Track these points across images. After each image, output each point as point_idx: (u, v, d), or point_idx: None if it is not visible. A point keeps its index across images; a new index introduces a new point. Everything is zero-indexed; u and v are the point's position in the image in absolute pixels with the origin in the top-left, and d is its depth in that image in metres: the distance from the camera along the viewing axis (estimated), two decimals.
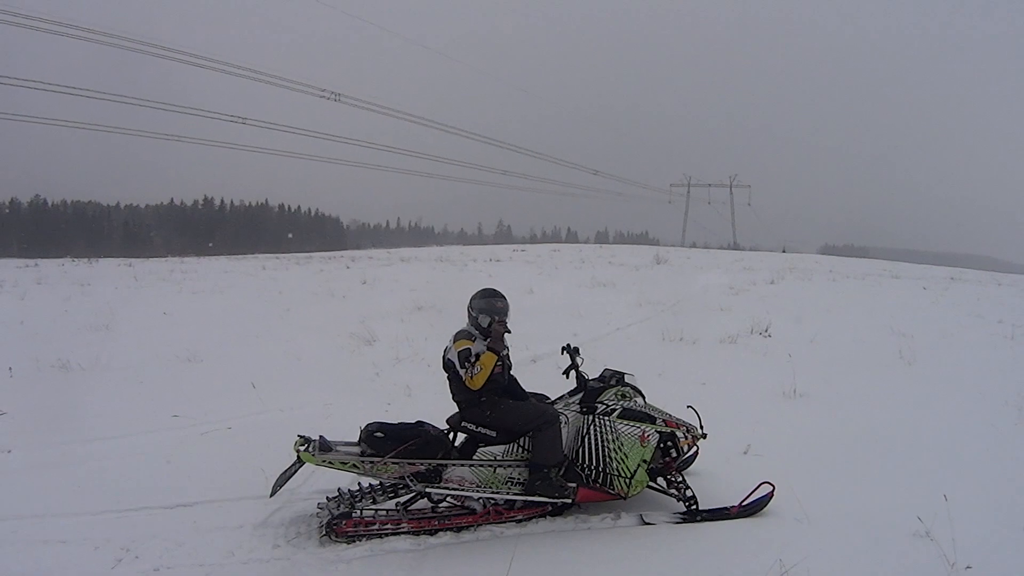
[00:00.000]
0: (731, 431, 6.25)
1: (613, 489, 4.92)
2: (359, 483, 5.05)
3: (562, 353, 5.52)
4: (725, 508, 4.97)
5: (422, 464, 4.76)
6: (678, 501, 5.03)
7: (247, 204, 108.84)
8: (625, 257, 36.87)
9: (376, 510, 4.88)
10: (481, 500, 4.92)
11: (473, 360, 4.78)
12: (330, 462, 4.67)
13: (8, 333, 11.95)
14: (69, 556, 4.37)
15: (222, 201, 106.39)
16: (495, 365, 4.84)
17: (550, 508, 4.98)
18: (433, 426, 5.04)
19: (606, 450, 4.94)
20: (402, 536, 4.73)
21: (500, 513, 4.94)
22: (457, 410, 5.08)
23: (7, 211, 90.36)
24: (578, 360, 5.45)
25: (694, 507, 4.97)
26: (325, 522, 4.66)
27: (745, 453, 6.09)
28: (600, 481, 4.94)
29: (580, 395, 5.23)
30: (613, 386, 5.23)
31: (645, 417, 5.04)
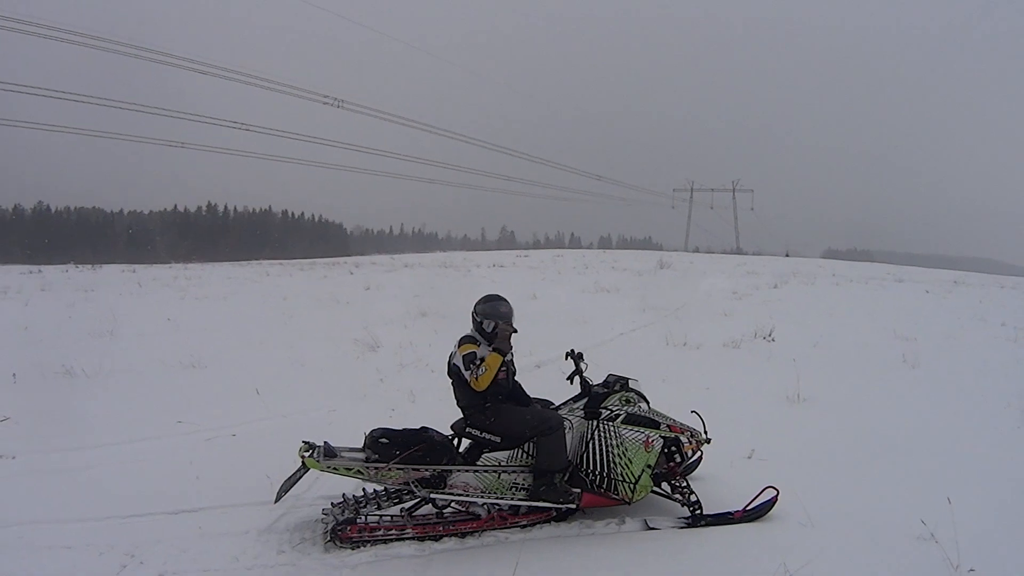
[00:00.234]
0: (735, 435, 6.24)
1: (617, 494, 4.92)
2: (364, 489, 5.06)
3: (566, 359, 5.54)
4: (729, 513, 4.97)
5: (426, 470, 4.77)
6: (682, 506, 5.03)
7: (251, 210, 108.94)
8: (628, 262, 36.87)
9: (381, 516, 4.88)
10: (485, 505, 4.92)
11: (479, 362, 4.79)
12: (335, 468, 4.68)
13: (12, 339, 11.99)
14: (74, 562, 4.38)
15: (225, 207, 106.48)
16: (500, 368, 4.86)
17: (554, 513, 4.99)
18: (437, 432, 5.04)
19: (610, 455, 4.95)
20: (407, 542, 4.73)
21: (504, 518, 4.94)
22: (461, 416, 5.09)
23: (11, 217, 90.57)
24: (582, 366, 5.46)
25: (698, 512, 4.97)
26: (330, 528, 4.66)
27: (749, 457, 6.08)
28: (604, 486, 4.94)
29: (584, 401, 5.23)
30: (617, 391, 5.23)
31: (649, 422, 5.05)
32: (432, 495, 4.80)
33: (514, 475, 4.92)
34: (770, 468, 5.69)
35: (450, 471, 4.83)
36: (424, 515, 4.95)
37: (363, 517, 4.80)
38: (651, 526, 4.89)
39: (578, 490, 4.92)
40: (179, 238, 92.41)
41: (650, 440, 4.96)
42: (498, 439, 4.94)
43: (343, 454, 4.81)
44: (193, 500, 5.28)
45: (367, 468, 4.71)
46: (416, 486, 4.76)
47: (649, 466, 4.93)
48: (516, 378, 5.27)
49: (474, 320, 5.13)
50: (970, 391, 8.51)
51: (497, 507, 4.94)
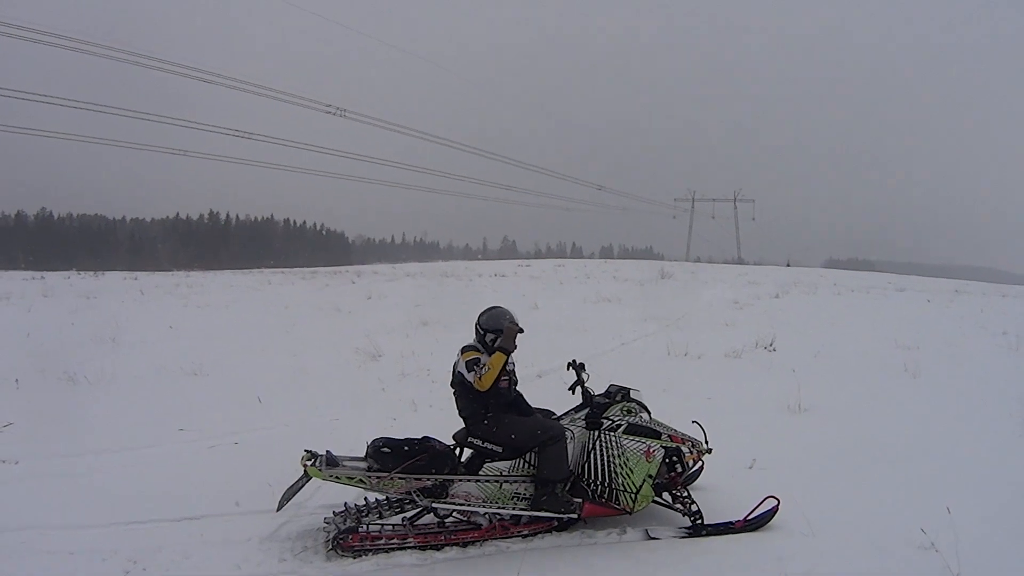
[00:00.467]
0: (736, 445, 6.24)
1: (619, 504, 4.93)
2: (365, 498, 5.07)
3: (568, 369, 5.56)
4: (730, 522, 4.97)
5: (428, 479, 4.78)
6: (683, 516, 5.03)
7: (252, 219, 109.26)
8: (630, 272, 36.94)
9: (382, 525, 4.90)
10: (487, 515, 4.93)
11: (481, 365, 4.80)
12: (337, 477, 4.69)
13: (15, 345, 12.03)
14: (76, 567, 4.39)
15: (227, 215, 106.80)
16: (503, 376, 4.87)
17: (556, 523, 4.99)
18: (439, 441, 5.05)
19: (612, 465, 4.96)
20: (408, 551, 4.74)
21: (506, 528, 4.95)
22: (463, 426, 5.11)
23: (13, 223, 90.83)
24: (584, 376, 5.48)
25: (699, 521, 4.98)
26: (332, 536, 4.67)
27: (750, 467, 6.09)
28: (606, 496, 4.95)
29: (586, 411, 5.24)
30: (619, 402, 5.24)
31: (650, 432, 5.06)
32: (434, 504, 4.81)
33: (516, 485, 4.93)
34: (771, 477, 5.68)
35: (452, 481, 4.84)
36: (426, 524, 4.96)
37: (365, 526, 4.81)
38: (652, 536, 4.90)
39: (579, 500, 4.92)
40: (181, 246, 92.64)
41: (651, 450, 4.98)
42: (500, 449, 4.95)
43: (345, 463, 4.83)
44: (195, 507, 5.29)
45: (369, 477, 4.72)
46: (418, 495, 4.77)
47: (650, 476, 4.94)
48: (518, 388, 5.29)
49: (477, 332, 5.15)
50: (971, 399, 8.51)
51: (499, 517, 4.94)
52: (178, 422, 7.57)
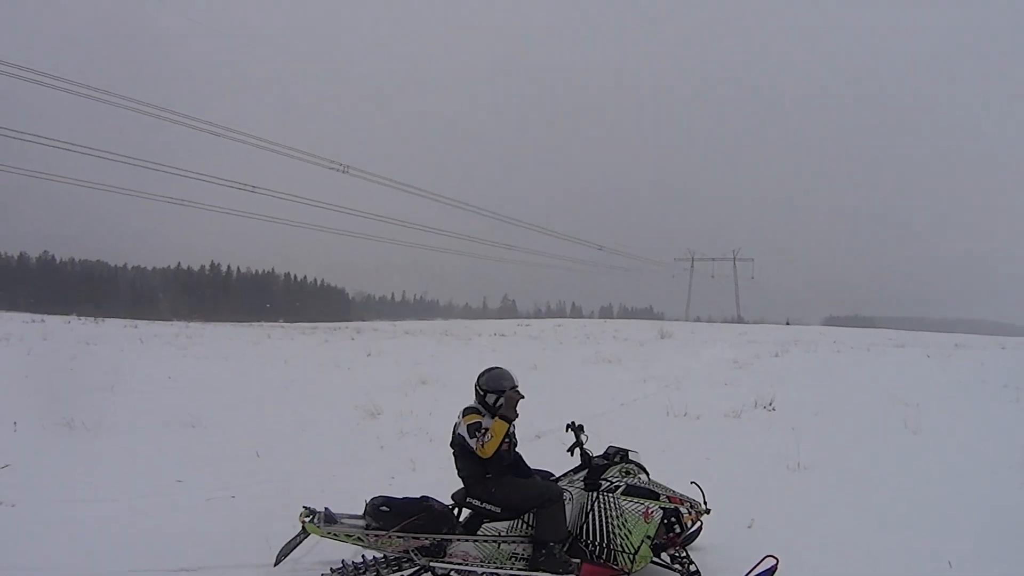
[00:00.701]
0: (735, 505, 6.22)
1: (617, 565, 4.91)
2: (363, 555, 5.04)
3: (567, 430, 5.59)
4: None
5: (426, 538, 4.78)
6: None
7: (253, 271, 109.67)
8: (630, 332, 36.98)
9: None
10: (485, 575, 4.91)
11: (483, 431, 4.83)
12: (335, 534, 4.70)
13: (14, 387, 12.03)
14: None
15: (228, 267, 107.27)
16: (504, 438, 4.90)
17: None
18: (438, 501, 5.07)
19: (610, 526, 4.96)
20: None
21: None
22: (462, 486, 5.12)
23: (15, 265, 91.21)
24: (582, 437, 5.51)
25: None
26: None
27: (749, 527, 6.06)
28: (604, 557, 4.94)
29: (584, 472, 5.27)
30: (617, 463, 5.27)
31: (649, 494, 5.08)
32: (432, 564, 4.80)
33: (514, 545, 4.93)
34: (770, 537, 5.65)
35: (450, 540, 4.84)
36: None
37: None
38: None
39: (577, 560, 4.91)
40: (181, 296, 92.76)
41: (650, 511, 4.98)
42: (498, 509, 4.96)
43: (343, 520, 4.83)
44: (192, 560, 5.26)
45: (367, 535, 4.72)
46: (416, 554, 4.76)
47: (649, 536, 4.94)
48: (517, 449, 5.32)
49: (477, 393, 5.20)
50: (972, 454, 8.48)
51: None
52: (175, 473, 7.55)
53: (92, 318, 38.48)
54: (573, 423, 5.57)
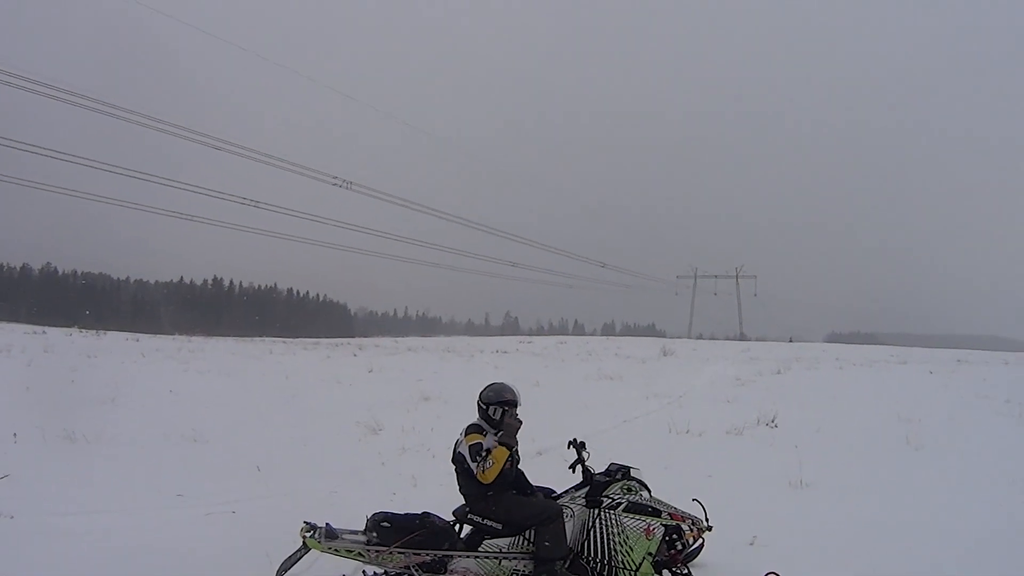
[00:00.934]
0: (737, 522, 6.19)
1: None
2: (364, 571, 5.02)
3: (568, 447, 5.58)
4: None
5: (427, 555, 4.77)
6: None
7: (256, 286, 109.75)
8: (632, 349, 36.93)
9: None
10: None
11: (484, 455, 4.84)
12: (336, 549, 4.69)
13: (14, 398, 12.02)
14: None
15: (231, 282, 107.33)
16: (506, 460, 4.91)
17: None
18: (439, 517, 5.07)
19: (611, 543, 4.95)
20: None
21: None
22: (464, 502, 5.12)
23: (18, 276, 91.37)
24: (584, 454, 5.51)
25: None
26: None
27: (751, 544, 6.02)
28: (606, 574, 4.93)
29: (586, 489, 5.26)
30: (619, 480, 5.27)
31: (650, 511, 5.07)
32: None
33: (515, 562, 4.92)
34: (772, 554, 5.63)
35: (451, 556, 4.83)
36: None
37: None
38: None
39: None
40: (183, 310, 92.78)
41: (651, 528, 4.97)
42: (500, 526, 4.96)
43: (344, 536, 4.83)
44: (192, 574, 5.26)
45: (368, 551, 4.72)
46: (417, 570, 4.75)
47: (650, 554, 4.93)
48: (519, 466, 5.32)
49: (480, 408, 5.21)
50: (975, 470, 8.43)
51: None
52: (176, 487, 7.55)
53: (94, 331, 38.47)
54: (575, 440, 5.57)
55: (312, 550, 4.71)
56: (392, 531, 4.77)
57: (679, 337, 69.95)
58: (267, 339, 46.01)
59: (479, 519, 4.98)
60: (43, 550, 5.57)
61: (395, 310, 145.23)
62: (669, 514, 5.10)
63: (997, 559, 5.60)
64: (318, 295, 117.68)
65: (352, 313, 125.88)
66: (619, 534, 4.96)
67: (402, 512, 5.03)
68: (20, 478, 7.33)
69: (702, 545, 5.69)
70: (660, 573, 5.11)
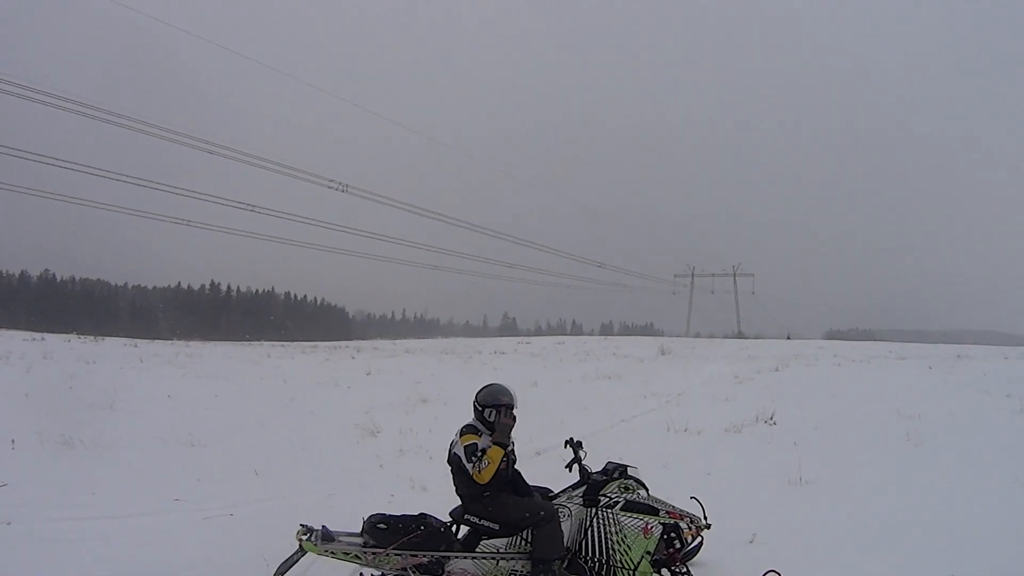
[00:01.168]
0: (736, 520, 6.18)
1: None
2: (361, 573, 5.01)
3: (565, 447, 5.56)
4: None
5: (425, 556, 4.75)
6: None
7: (253, 290, 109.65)
8: (630, 349, 36.91)
9: None
10: None
11: (480, 455, 4.82)
12: (332, 552, 4.68)
13: (13, 405, 11.98)
14: None
15: (228, 287, 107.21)
16: (501, 460, 4.89)
17: None
18: (436, 518, 5.05)
19: (609, 542, 4.94)
20: None
21: None
22: (460, 503, 5.10)
23: (16, 283, 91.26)
24: (581, 453, 5.48)
25: None
26: None
27: (751, 542, 6.01)
28: (604, 573, 4.91)
29: (583, 488, 5.25)
30: (616, 479, 5.26)
31: (648, 509, 5.05)
32: None
33: (512, 562, 4.90)
34: (772, 552, 5.61)
35: (448, 557, 4.82)
36: None
37: None
38: None
39: None
40: (181, 315, 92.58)
41: (649, 527, 4.96)
42: (497, 526, 4.94)
43: (341, 538, 4.81)
44: None
45: (365, 553, 4.71)
46: (414, 572, 4.74)
47: (648, 552, 4.91)
48: (516, 466, 5.31)
49: (476, 409, 5.20)
50: (975, 466, 8.38)
51: None
52: (174, 492, 7.54)
53: (92, 337, 38.33)
54: (572, 439, 5.55)
55: (308, 553, 4.69)
56: (389, 533, 4.76)
57: (677, 336, 69.90)
58: (265, 343, 45.96)
59: (476, 520, 4.97)
60: (41, 556, 5.57)
61: (393, 312, 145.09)
62: (667, 512, 5.08)
63: (998, 555, 5.57)
64: (316, 298, 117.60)
65: (350, 316, 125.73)
66: (617, 533, 4.95)
67: (399, 514, 5.01)
68: (18, 484, 7.31)
69: (701, 543, 5.68)
70: (659, 572, 5.10)
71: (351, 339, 68.94)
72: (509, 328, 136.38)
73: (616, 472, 5.32)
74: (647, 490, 5.28)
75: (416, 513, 5.07)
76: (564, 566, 4.94)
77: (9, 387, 13.79)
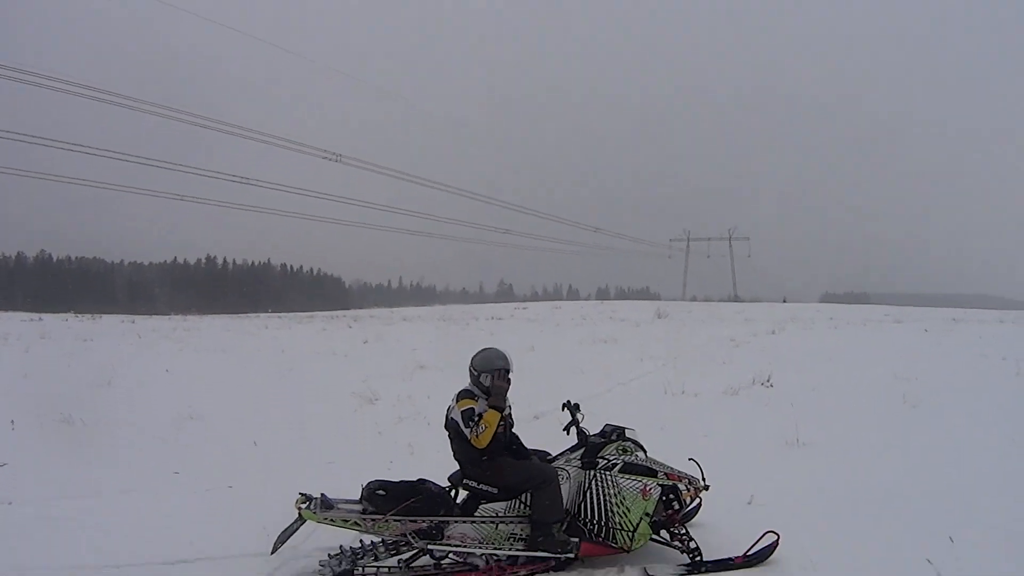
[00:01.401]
0: (734, 482, 6.20)
1: (616, 543, 4.90)
2: (361, 540, 5.02)
3: (563, 410, 5.54)
4: (730, 559, 4.94)
5: (424, 521, 4.77)
6: (682, 553, 5.00)
7: (249, 263, 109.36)
8: (626, 313, 36.97)
9: (378, 567, 4.86)
10: (484, 556, 4.90)
11: (477, 419, 4.82)
12: (331, 520, 4.68)
13: (12, 385, 11.97)
14: None
15: (224, 260, 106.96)
16: (498, 423, 4.88)
17: (553, 563, 4.95)
18: (435, 483, 5.06)
19: (608, 504, 4.95)
20: None
21: (503, 569, 4.92)
22: (459, 468, 5.10)
23: (13, 265, 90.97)
24: (579, 416, 5.46)
25: (698, 559, 4.94)
26: None
27: (749, 503, 6.04)
28: (603, 535, 4.93)
29: (581, 451, 5.24)
30: (614, 441, 5.25)
31: (647, 471, 5.06)
32: (430, 546, 4.80)
33: (512, 525, 4.91)
34: (770, 513, 5.63)
35: (447, 522, 4.83)
36: (422, 566, 4.93)
37: (360, 568, 4.78)
38: (651, 574, 4.86)
39: (576, 539, 4.91)
40: (178, 290, 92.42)
41: (648, 488, 4.97)
42: (495, 490, 4.95)
43: (340, 506, 4.81)
44: (189, 551, 5.25)
45: (364, 520, 4.71)
46: (414, 537, 4.75)
47: (647, 514, 4.92)
48: (514, 430, 5.31)
49: (471, 374, 5.18)
50: (972, 428, 8.41)
51: (495, 558, 4.92)
52: (173, 466, 7.54)
53: (90, 315, 38.32)
54: (569, 402, 5.52)
55: (308, 521, 4.70)
56: (388, 499, 4.76)
57: (673, 300, 70.02)
58: (262, 315, 46.00)
59: (474, 484, 4.98)
60: (42, 535, 5.56)
61: (389, 281, 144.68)
62: (666, 474, 5.09)
63: (997, 517, 5.60)
64: (312, 269, 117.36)
65: (347, 286, 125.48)
66: (616, 495, 4.95)
67: (398, 480, 5.02)
68: (18, 464, 7.29)
69: (699, 505, 5.72)
70: (658, 533, 5.12)
71: (348, 308, 68.84)
72: (505, 294, 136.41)
73: (614, 434, 5.32)
74: (645, 452, 5.28)
75: (415, 479, 5.08)
76: (563, 528, 4.96)
77: (8, 368, 13.79)
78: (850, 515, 5.70)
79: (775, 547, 4.91)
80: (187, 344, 20.42)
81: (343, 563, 4.75)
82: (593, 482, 5.02)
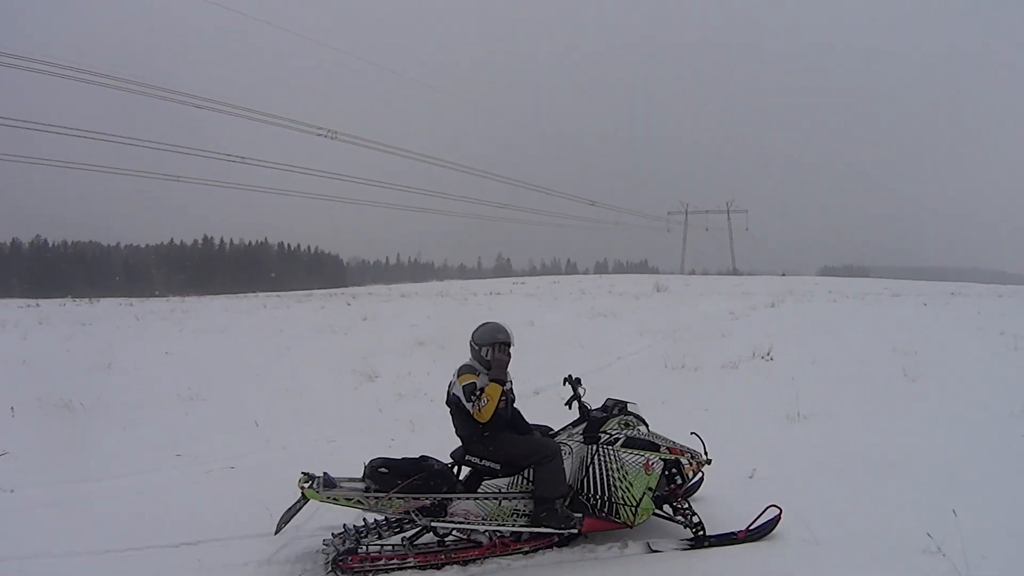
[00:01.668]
0: (736, 456, 6.21)
1: (619, 518, 4.90)
2: (364, 518, 5.02)
3: (564, 384, 5.52)
4: (732, 533, 4.95)
5: (427, 498, 4.76)
6: (685, 527, 5.01)
7: (246, 243, 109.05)
8: (625, 286, 36.93)
9: (382, 545, 4.86)
10: (487, 533, 4.90)
11: (478, 393, 4.79)
12: (334, 498, 4.67)
13: (10, 372, 11.95)
14: None
15: (221, 240, 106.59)
16: (500, 397, 4.86)
17: (557, 539, 4.96)
18: (437, 460, 5.04)
19: (611, 479, 4.94)
20: (408, 571, 4.72)
21: (506, 545, 4.92)
22: (460, 444, 5.09)
23: (8, 251, 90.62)
24: (580, 391, 5.43)
25: (701, 533, 4.95)
26: (331, 558, 4.64)
27: (751, 477, 6.05)
28: (606, 510, 4.93)
29: (583, 425, 5.23)
30: (616, 415, 5.23)
31: (649, 445, 5.05)
32: (433, 523, 4.79)
33: (515, 501, 4.91)
34: (772, 487, 5.64)
35: (450, 499, 4.82)
36: (426, 544, 4.93)
37: (364, 547, 4.77)
38: (654, 549, 4.87)
39: (580, 515, 4.90)
40: (175, 271, 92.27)
41: (650, 463, 4.96)
42: (498, 466, 4.94)
43: (343, 484, 4.80)
44: (193, 533, 5.24)
45: (367, 498, 4.70)
46: (417, 515, 4.75)
47: (650, 489, 4.92)
48: (515, 405, 5.28)
49: (472, 349, 5.15)
50: (971, 402, 8.41)
51: (499, 534, 4.92)
52: (175, 447, 7.54)
53: (87, 299, 38.20)
54: (570, 376, 5.50)
55: (311, 500, 4.69)
56: (390, 477, 4.75)
57: (672, 273, 70.03)
58: (260, 294, 45.89)
59: (477, 460, 4.97)
60: (45, 520, 5.56)
61: (387, 258, 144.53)
62: (668, 448, 5.08)
63: (997, 489, 5.61)
64: (310, 247, 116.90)
65: (345, 263, 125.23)
66: (618, 470, 4.94)
67: (400, 457, 5.01)
68: (19, 451, 7.27)
69: (702, 479, 5.72)
70: (661, 508, 5.12)
71: (346, 286, 68.83)
72: (504, 269, 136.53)
73: (616, 409, 5.30)
74: (647, 426, 5.27)
75: (417, 456, 5.06)
76: (566, 504, 4.95)
77: (6, 355, 13.76)
78: (852, 488, 5.71)
79: (778, 521, 4.91)
80: (186, 325, 20.38)
81: (347, 542, 4.75)
82: (596, 457, 5.01)
